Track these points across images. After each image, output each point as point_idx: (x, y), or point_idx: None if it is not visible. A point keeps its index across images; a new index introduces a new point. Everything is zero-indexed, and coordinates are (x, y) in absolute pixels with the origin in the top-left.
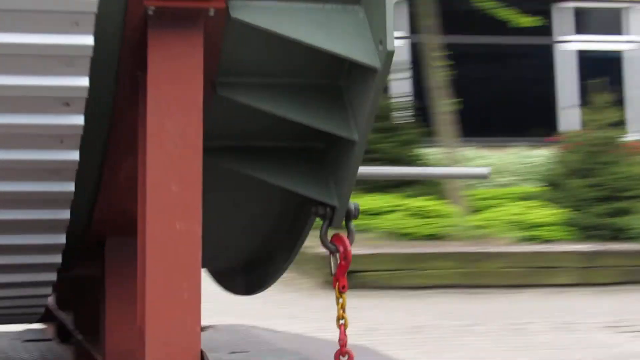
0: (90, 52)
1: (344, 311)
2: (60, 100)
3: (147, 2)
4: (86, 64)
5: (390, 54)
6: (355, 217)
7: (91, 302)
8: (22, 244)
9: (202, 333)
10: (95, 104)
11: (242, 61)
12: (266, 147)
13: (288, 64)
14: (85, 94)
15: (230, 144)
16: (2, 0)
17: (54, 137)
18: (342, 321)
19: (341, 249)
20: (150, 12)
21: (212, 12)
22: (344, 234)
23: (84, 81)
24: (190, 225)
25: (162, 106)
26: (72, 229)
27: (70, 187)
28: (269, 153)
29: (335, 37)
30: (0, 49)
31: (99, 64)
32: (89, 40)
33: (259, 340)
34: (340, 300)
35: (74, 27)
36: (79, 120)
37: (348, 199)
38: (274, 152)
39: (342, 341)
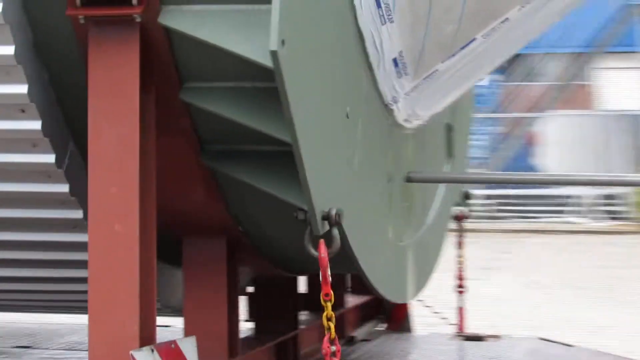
0: (13, 61)
1: (330, 320)
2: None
3: (69, 12)
4: (19, 72)
5: (272, 53)
6: (337, 224)
7: None
8: (44, 241)
9: (482, 342)
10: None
11: (199, 66)
12: (252, 151)
13: (242, 67)
14: (27, 100)
15: (217, 148)
16: None
17: (25, 141)
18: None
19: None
20: (82, 22)
21: (138, 18)
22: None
23: (23, 88)
24: (127, 227)
25: (101, 110)
26: None
27: (63, 188)
28: (254, 157)
29: (249, 38)
30: None
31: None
32: (8, 50)
33: (523, 353)
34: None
35: None
36: (37, 125)
37: (311, 204)
38: (259, 155)
39: (325, 350)
